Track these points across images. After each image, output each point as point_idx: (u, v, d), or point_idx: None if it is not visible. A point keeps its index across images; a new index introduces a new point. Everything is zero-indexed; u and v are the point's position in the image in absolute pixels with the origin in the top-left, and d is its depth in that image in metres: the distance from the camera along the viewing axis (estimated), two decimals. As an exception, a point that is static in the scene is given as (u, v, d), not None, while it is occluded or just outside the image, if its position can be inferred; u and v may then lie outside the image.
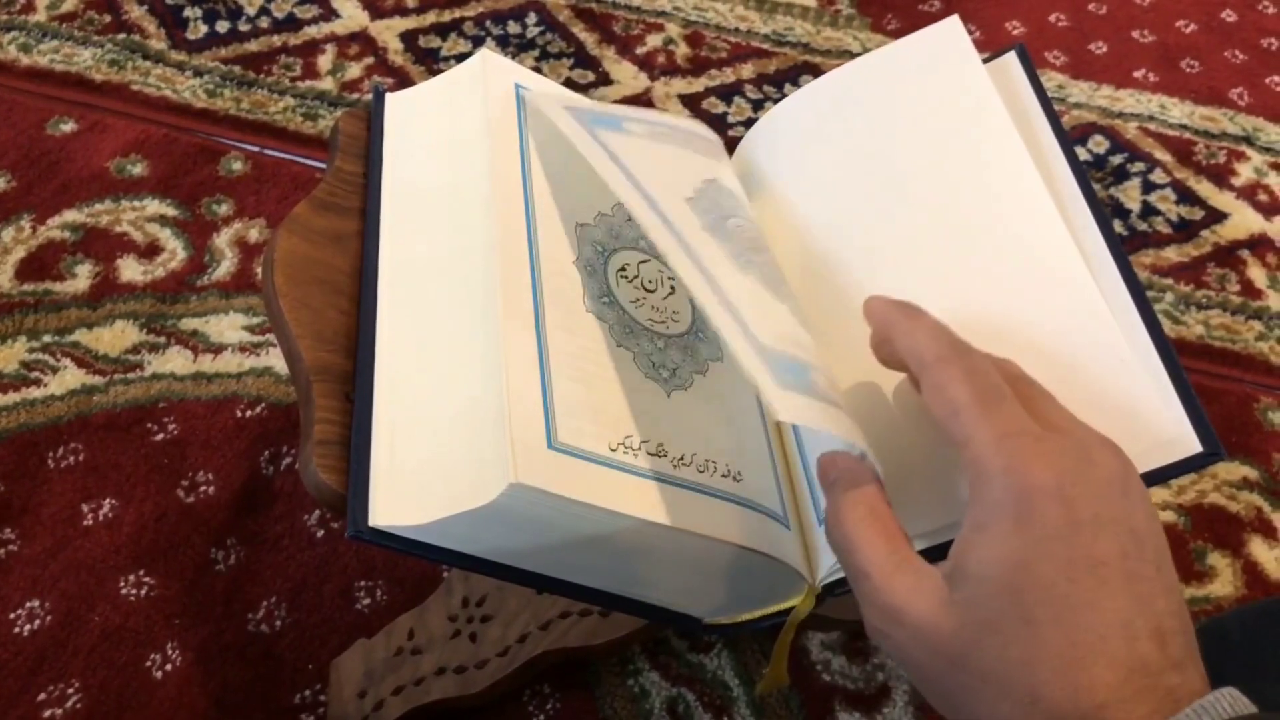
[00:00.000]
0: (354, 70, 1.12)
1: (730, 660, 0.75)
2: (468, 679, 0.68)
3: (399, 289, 0.51)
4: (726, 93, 1.14)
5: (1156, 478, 0.46)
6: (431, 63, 1.14)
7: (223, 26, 1.15)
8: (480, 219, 0.50)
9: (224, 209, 0.98)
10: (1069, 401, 0.42)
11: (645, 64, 1.17)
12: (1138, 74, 1.19)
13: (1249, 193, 1.08)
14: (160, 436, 0.83)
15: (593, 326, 0.49)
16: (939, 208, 0.53)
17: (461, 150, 0.54)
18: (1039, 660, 0.35)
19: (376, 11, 1.19)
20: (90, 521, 0.78)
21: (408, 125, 0.58)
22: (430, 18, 1.19)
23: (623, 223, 0.55)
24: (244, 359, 0.88)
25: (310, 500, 0.79)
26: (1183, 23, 1.26)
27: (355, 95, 1.10)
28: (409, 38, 1.17)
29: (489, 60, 0.57)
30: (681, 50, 1.18)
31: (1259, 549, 0.83)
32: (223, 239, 0.96)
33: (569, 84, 1.12)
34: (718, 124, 1.11)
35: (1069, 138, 0.55)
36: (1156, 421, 0.46)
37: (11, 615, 0.74)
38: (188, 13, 1.16)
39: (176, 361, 0.87)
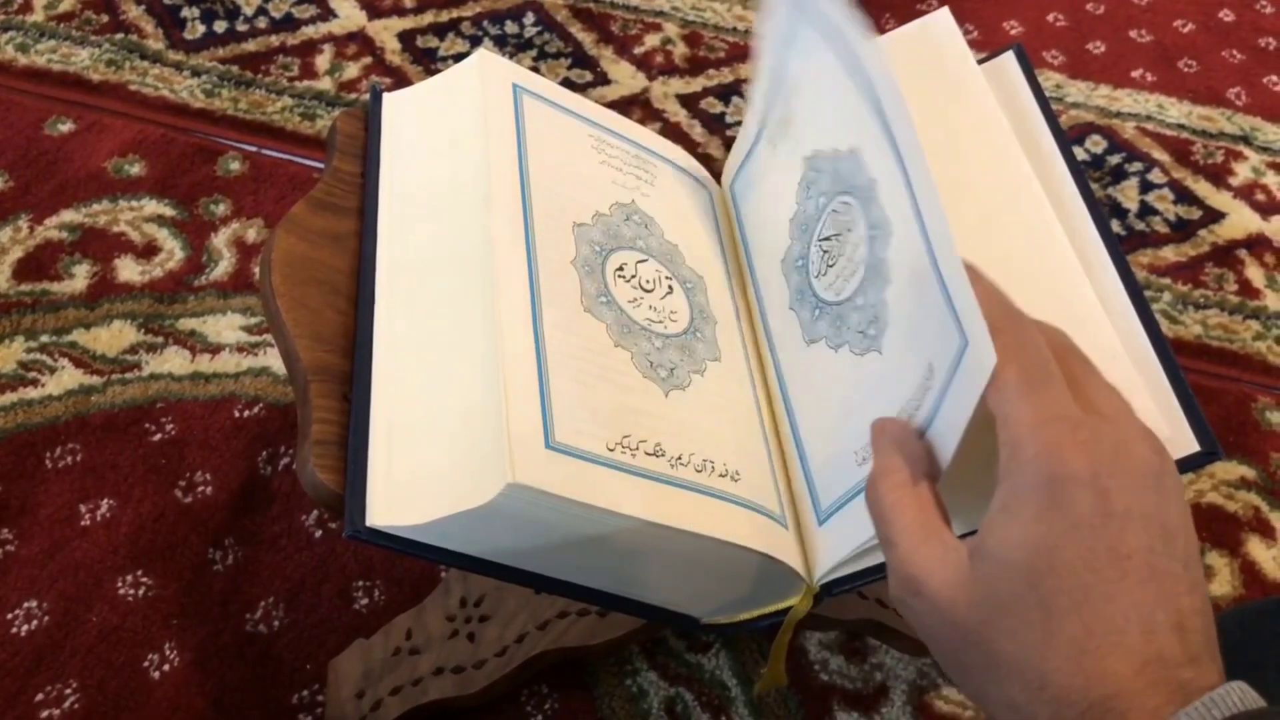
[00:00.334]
0: (352, 70, 1.12)
1: (728, 660, 0.75)
2: (466, 679, 0.68)
3: (397, 289, 0.51)
4: (724, 92, 1.14)
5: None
6: (429, 63, 1.14)
7: (220, 26, 1.15)
8: (478, 219, 0.50)
9: (222, 209, 0.98)
10: None
11: (643, 64, 1.16)
12: (1135, 74, 1.19)
13: (1246, 192, 1.08)
14: (158, 436, 0.83)
15: (590, 326, 0.49)
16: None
17: (459, 150, 0.54)
18: (1052, 646, 0.35)
19: (374, 11, 1.19)
20: (88, 522, 0.78)
21: (405, 125, 0.58)
22: (428, 18, 1.19)
23: (620, 222, 0.55)
24: (242, 359, 0.88)
25: (308, 500, 0.79)
26: (1180, 22, 1.26)
27: (353, 95, 1.10)
28: (407, 38, 1.17)
29: (486, 60, 0.57)
30: (680, 50, 1.18)
31: (1257, 548, 0.83)
32: (220, 239, 0.96)
33: (567, 83, 1.12)
34: (715, 124, 1.11)
35: (1067, 137, 0.55)
36: (1154, 421, 0.46)
37: (9, 615, 0.74)
38: (185, 13, 1.16)
39: (174, 361, 0.87)
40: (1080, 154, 1.10)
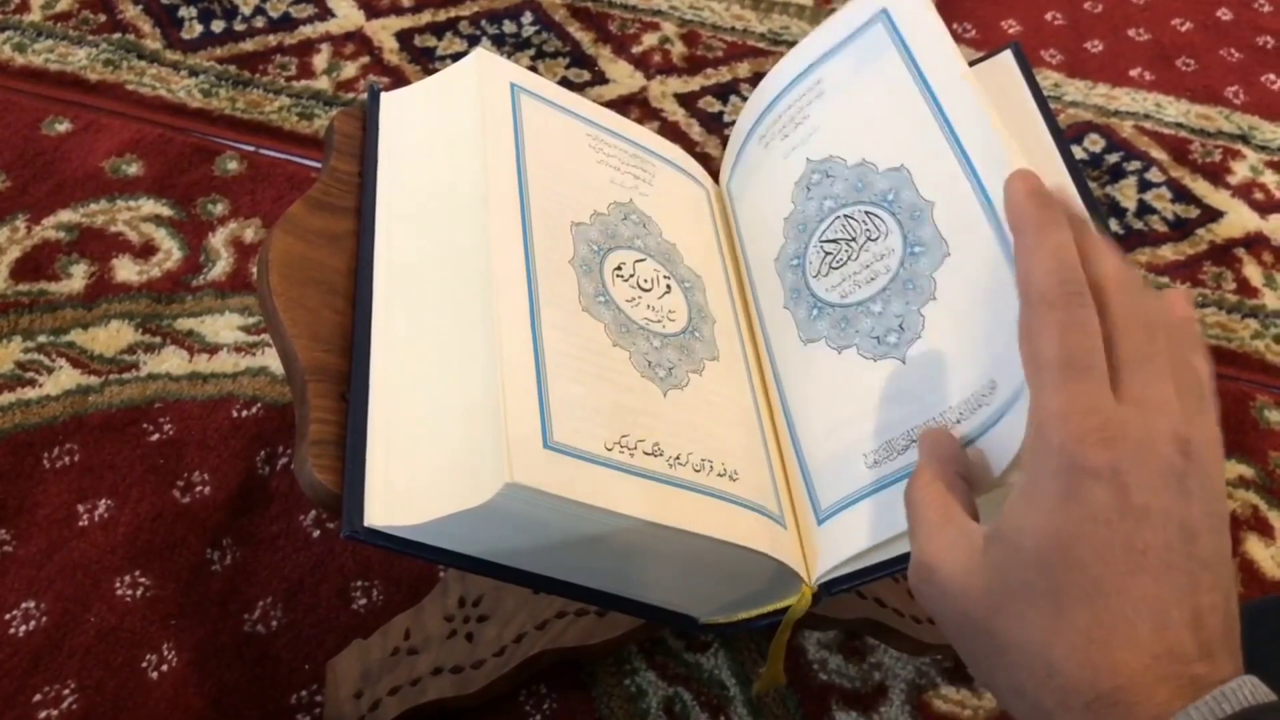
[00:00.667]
0: (349, 70, 1.12)
1: (727, 659, 0.75)
2: (464, 679, 0.68)
3: (394, 288, 0.51)
4: (722, 92, 1.14)
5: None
6: (427, 62, 1.14)
7: (218, 26, 1.15)
8: (475, 218, 0.50)
9: (219, 209, 0.98)
10: None
11: (641, 63, 1.16)
12: (1133, 72, 1.19)
13: (1245, 191, 1.08)
14: (156, 437, 0.83)
15: (589, 326, 0.49)
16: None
17: (457, 149, 0.54)
18: (1060, 635, 0.35)
19: (372, 11, 1.19)
20: (86, 522, 0.78)
21: (403, 124, 0.58)
22: (426, 17, 1.19)
23: (618, 222, 0.55)
24: (239, 359, 0.88)
25: (306, 500, 0.79)
26: (1178, 21, 1.26)
27: (351, 95, 1.10)
28: (404, 37, 1.17)
29: (484, 59, 0.57)
30: (678, 49, 1.18)
31: (1255, 548, 0.83)
32: (218, 239, 0.96)
33: (564, 83, 1.11)
34: (713, 123, 1.11)
35: (1065, 136, 0.55)
36: None
37: (7, 616, 0.73)
38: (183, 12, 1.16)
39: (172, 361, 0.87)
40: (1079, 153, 1.10)
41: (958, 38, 1.21)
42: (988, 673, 0.38)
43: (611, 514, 0.43)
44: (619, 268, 0.52)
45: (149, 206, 0.97)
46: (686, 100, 1.13)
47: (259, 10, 1.17)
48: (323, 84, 1.11)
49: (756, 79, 1.15)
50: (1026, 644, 0.36)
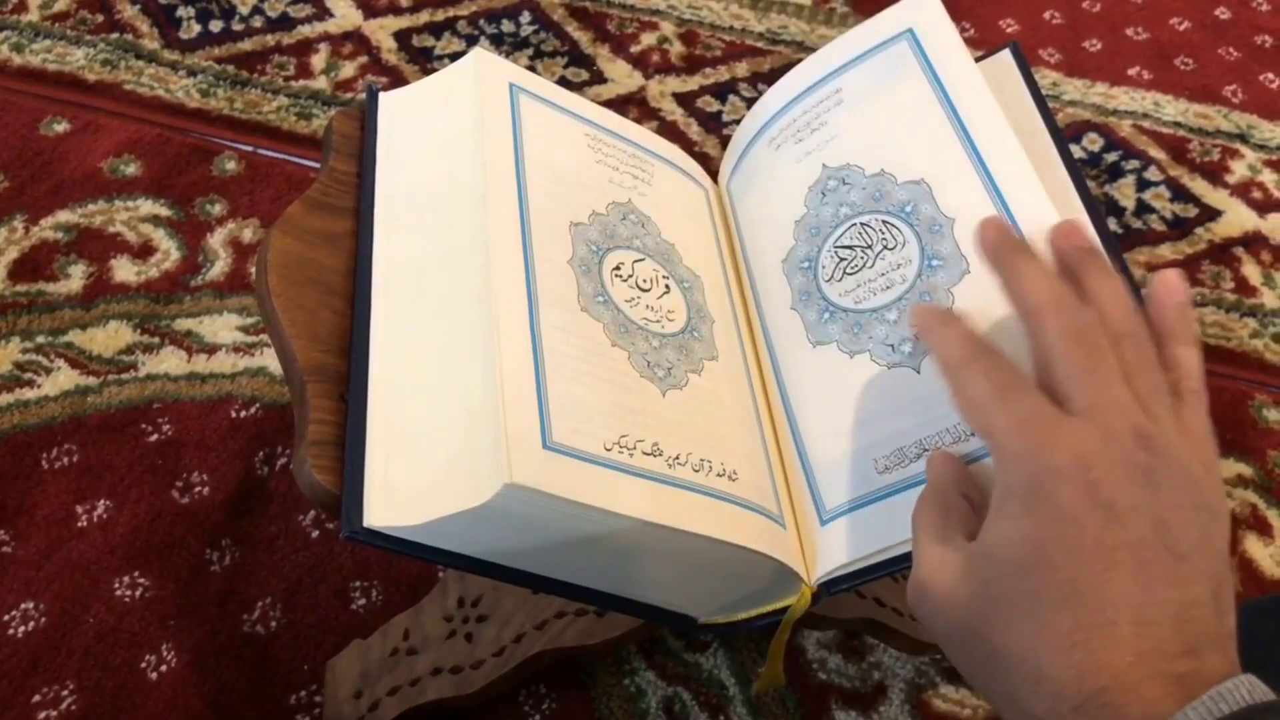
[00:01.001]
0: (348, 69, 1.12)
1: (726, 659, 0.75)
2: (463, 679, 0.68)
3: (393, 289, 0.51)
4: (721, 91, 1.14)
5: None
6: (425, 62, 1.14)
7: (216, 26, 1.15)
8: (474, 218, 0.50)
9: (218, 209, 0.98)
10: None
11: (640, 62, 1.16)
12: (1132, 71, 1.19)
13: (1243, 190, 1.08)
14: (154, 437, 0.83)
15: (588, 326, 0.49)
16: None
17: (455, 149, 0.54)
18: (1044, 639, 0.36)
19: (370, 10, 1.19)
20: (84, 522, 0.78)
21: (402, 124, 0.58)
22: (424, 16, 1.19)
23: (617, 222, 0.55)
24: (238, 359, 0.88)
25: (305, 501, 0.79)
26: (1176, 20, 1.26)
27: (349, 94, 1.10)
28: (403, 37, 1.17)
29: (482, 59, 0.57)
30: (676, 49, 1.18)
31: (1254, 547, 0.83)
32: (216, 239, 0.96)
33: (563, 82, 1.11)
34: (712, 122, 1.11)
35: (1064, 135, 0.55)
36: None
37: (6, 617, 0.73)
38: (181, 12, 1.16)
39: (170, 362, 0.87)
40: (1077, 152, 1.10)
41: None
42: (984, 683, 0.39)
43: (611, 514, 0.43)
44: (618, 268, 0.52)
45: (147, 207, 0.97)
46: (685, 100, 1.13)
47: (257, 10, 1.17)
48: (321, 84, 1.10)
49: (755, 78, 1.15)
50: (1015, 651, 0.36)
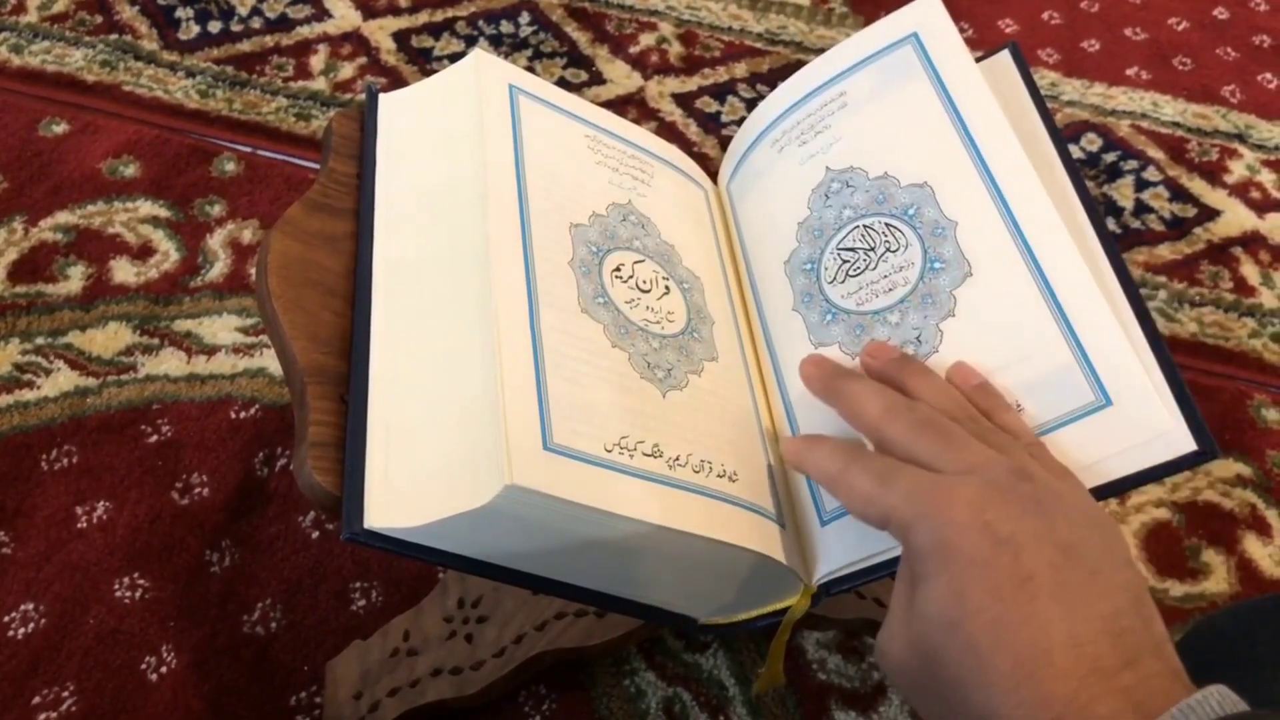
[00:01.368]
0: (347, 70, 1.12)
1: (726, 660, 0.75)
2: (463, 680, 0.68)
3: (393, 290, 0.51)
4: (720, 92, 1.14)
5: (1151, 476, 0.46)
6: (424, 62, 1.14)
7: (215, 27, 1.15)
8: (474, 220, 0.50)
9: (217, 210, 0.98)
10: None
11: (638, 63, 1.16)
12: (1130, 71, 1.20)
13: (1241, 190, 1.08)
14: (154, 438, 0.83)
15: (588, 327, 0.49)
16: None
17: (455, 151, 0.54)
18: (989, 685, 0.37)
19: (369, 11, 1.19)
20: (84, 524, 0.78)
21: (401, 126, 0.58)
22: (423, 17, 1.19)
23: (617, 223, 0.55)
24: (238, 360, 0.88)
25: (305, 501, 0.79)
26: (1175, 20, 1.26)
27: (348, 95, 1.10)
28: (402, 37, 1.17)
29: (482, 61, 0.57)
30: (675, 49, 1.18)
31: (1253, 546, 0.83)
32: (216, 240, 0.96)
33: (562, 83, 1.11)
34: (711, 123, 1.11)
35: (1062, 135, 0.55)
36: (1151, 420, 0.46)
37: (6, 618, 0.73)
38: (180, 13, 1.16)
39: (170, 363, 0.87)
40: (1076, 152, 1.10)
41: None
42: None
43: (611, 515, 0.43)
44: (618, 269, 0.52)
45: (146, 208, 0.97)
46: (684, 100, 1.13)
47: (256, 11, 1.17)
48: (320, 85, 1.10)
49: (754, 79, 1.15)
50: (968, 702, 0.37)
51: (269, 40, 1.14)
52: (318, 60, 1.13)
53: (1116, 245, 0.51)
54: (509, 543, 0.45)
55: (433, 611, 0.72)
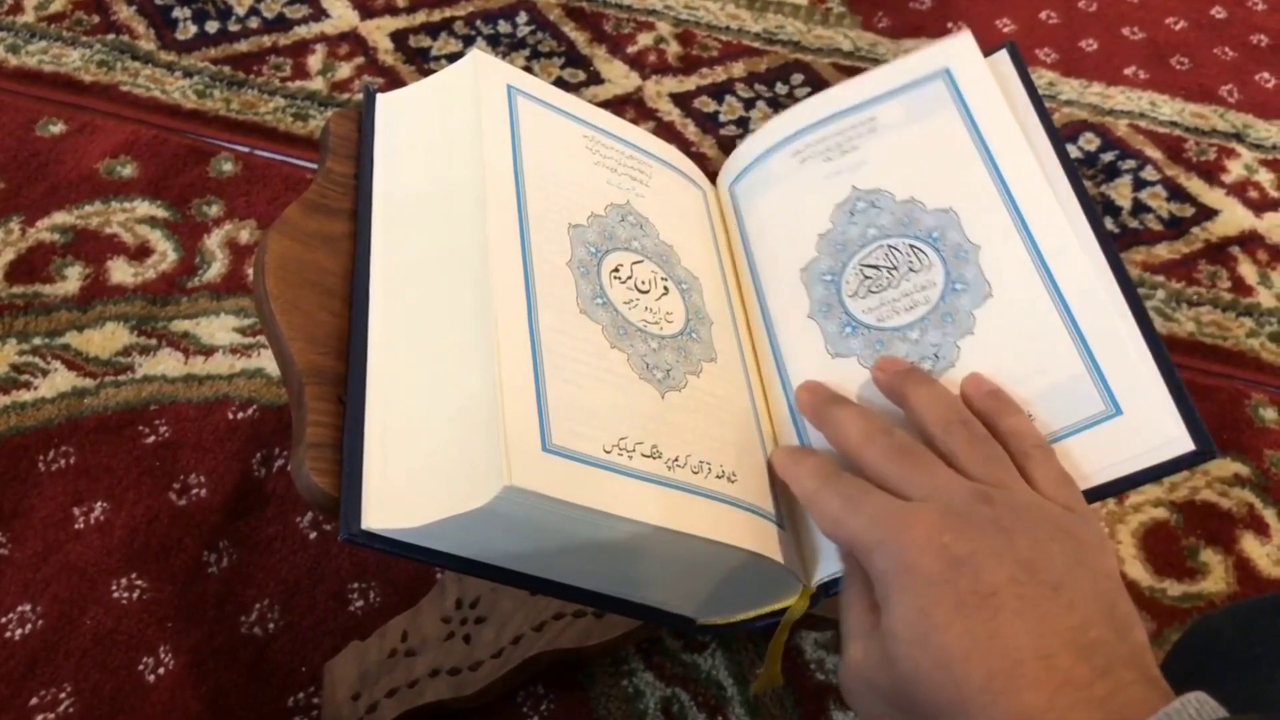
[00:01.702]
0: (344, 70, 1.12)
1: (724, 660, 0.75)
2: (462, 681, 0.68)
3: (391, 291, 0.51)
4: (718, 91, 1.14)
5: (1149, 476, 0.46)
6: (422, 62, 1.14)
7: (212, 27, 1.15)
8: (472, 220, 0.50)
9: (214, 210, 0.98)
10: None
11: (636, 63, 1.16)
12: (1128, 71, 1.20)
13: (1239, 189, 1.08)
14: (151, 439, 0.83)
15: (586, 328, 0.49)
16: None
17: (453, 151, 0.54)
18: (965, 700, 0.37)
19: (366, 11, 1.19)
20: (81, 525, 0.78)
21: (399, 126, 0.58)
22: (420, 17, 1.19)
23: (616, 223, 0.55)
24: (235, 360, 0.88)
25: (303, 502, 0.79)
26: (1172, 20, 1.26)
27: (346, 95, 1.10)
28: (399, 37, 1.16)
29: (480, 61, 0.57)
30: (673, 49, 1.18)
31: (1251, 545, 0.83)
32: (213, 240, 0.96)
33: (559, 83, 1.11)
34: (709, 123, 1.11)
35: (1060, 135, 0.55)
36: (1149, 419, 0.46)
37: (3, 619, 0.73)
38: (177, 13, 1.16)
39: (168, 363, 0.87)
40: (1073, 152, 1.10)
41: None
42: None
43: (611, 517, 0.43)
44: (616, 269, 0.52)
45: (144, 208, 0.97)
46: (682, 100, 1.13)
47: (253, 11, 1.17)
48: (318, 85, 1.10)
49: (751, 78, 1.15)
50: (941, 719, 0.38)
51: (266, 40, 1.14)
52: (315, 60, 1.13)
53: (1115, 245, 0.51)
54: (507, 544, 0.45)
55: (431, 612, 0.72)
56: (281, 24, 1.16)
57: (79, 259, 0.93)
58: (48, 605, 0.74)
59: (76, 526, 0.78)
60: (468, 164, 0.53)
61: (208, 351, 0.88)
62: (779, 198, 0.60)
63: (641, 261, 0.54)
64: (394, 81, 1.11)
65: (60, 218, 0.96)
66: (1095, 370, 0.48)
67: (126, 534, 0.78)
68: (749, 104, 1.13)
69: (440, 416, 0.45)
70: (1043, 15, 1.26)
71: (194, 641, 0.74)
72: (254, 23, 1.16)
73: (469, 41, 1.17)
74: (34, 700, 0.70)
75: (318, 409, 0.47)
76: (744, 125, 1.11)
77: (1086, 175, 1.08)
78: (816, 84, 1.15)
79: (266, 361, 0.88)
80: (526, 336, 0.46)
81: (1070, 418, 0.48)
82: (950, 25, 1.23)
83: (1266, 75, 1.20)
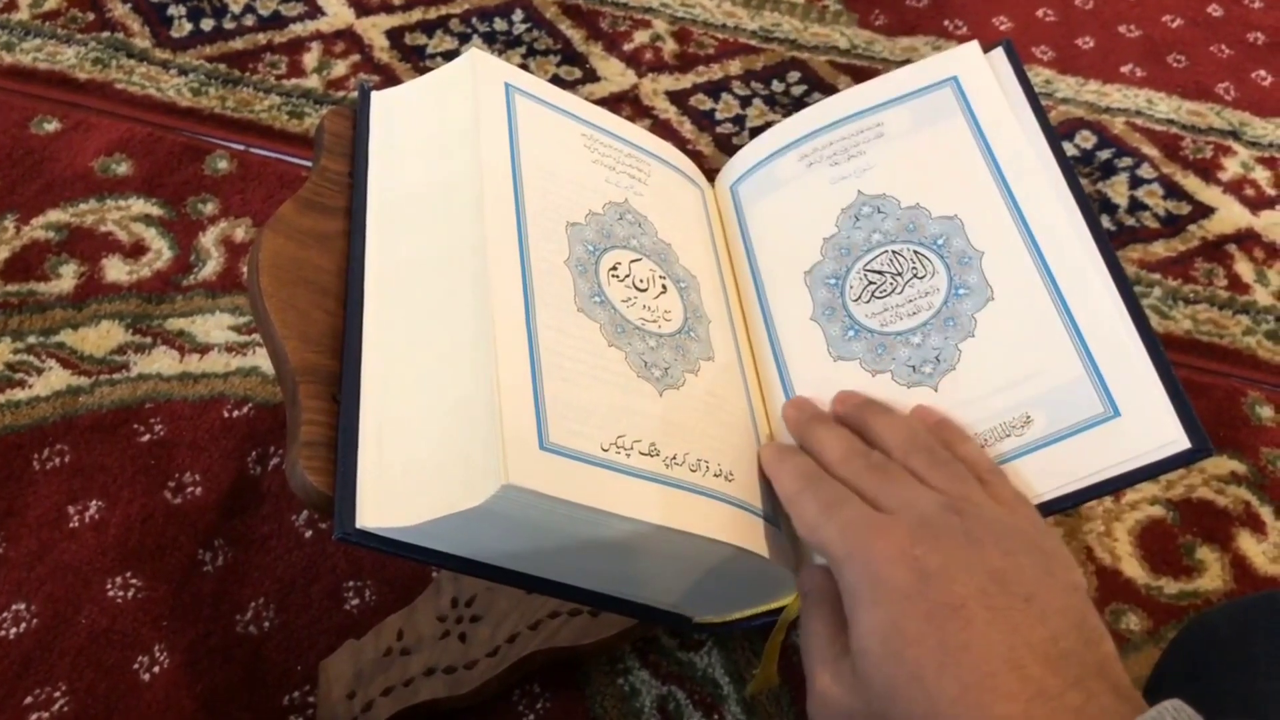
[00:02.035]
0: (340, 68, 1.12)
1: (720, 658, 0.75)
2: (457, 679, 0.68)
3: (386, 289, 0.50)
4: (714, 89, 1.14)
5: (1145, 474, 0.47)
6: (418, 60, 1.14)
7: (207, 24, 1.15)
8: (469, 219, 0.50)
9: (209, 208, 0.98)
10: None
11: (632, 60, 1.16)
12: (1125, 69, 1.19)
13: (1236, 187, 1.08)
14: (146, 437, 0.82)
15: (584, 326, 0.49)
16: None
17: (451, 149, 0.54)
18: (938, 712, 0.37)
19: (362, 8, 1.18)
20: (76, 523, 0.78)
21: (395, 124, 0.58)
22: (416, 14, 1.19)
23: (614, 222, 0.55)
24: (230, 359, 0.87)
25: (298, 500, 0.79)
26: (1169, 17, 1.26)
27: (341, 93, 1.09)
28: (395, 35, 1.16)
29: (478, 59, 0.57)
30: (669, 46, 1.18)
31: (1247, 543, 0.83)
32: (208, 238, 0.95)
33: (556, 80, 1.11)
34: (705, 120, 1.11)
35: (1057, 133, 0.56)
36: (1147, 420, 0.46)
37: (-3, 618, 0.73)
38: (172, 11, 1.15)
39: (163, 362, 0.87)
40: (1070, 149, 1.10)
41: (948, 35, 1.21)
42: None
43: (607, 515, 0.43)
44: (614, 268, 0.52)
45: (139, 206, 0.97)
46: (678, 98, 1.13)
47: (249, 8, 1.17)
48: (313, 82, 1.10)
49: (748, 76, 1.15)
50: None
51: (262, 38, 1.14)
52: (311, 58, 1.13)
53: (1111, 243, 0.51)
54: (503, 542, 0.45)
55: (426, 610, 0.71)
56: (277, 21, 1.16)
57: (74, 257, 0.93)
58: (42, 604, 0.74)
59: (71, 525, 0.78)
60: (465, 162, 0.52)
61: (203, 350, 0.88)
62: (784, 200, 0.60)
63: (640, 259, 0.54)
64: (389, 79, 1.11)
65: (55, 216, 0.96)
66: (1095, 372, 0.48)
67: (121, 532, 0.78)
68: (745, 102, 1.12)
69: (436, 415, 0.45)
70: (1039, 13, 1.26)
71: (189, 640, 0.73)
72: (249, 20, 1.16)
73: (465, 39, 1.16)
74: (28, 699, 0.70)
75: (312, 407, 0.47)
76: (740, 123, 1.10)
77: (1083, 173, 1.08)
78: (813, 82, 1.15)
79: (262, 360, 0.87)
80: (524, 335, 0.46)
81: (1069, 419, 0.48)
82: (947, 23, 1.23)
83: (1263, 73, 1.20)
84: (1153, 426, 0.47)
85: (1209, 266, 1.02)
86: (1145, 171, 1.09)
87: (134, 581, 0.76)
